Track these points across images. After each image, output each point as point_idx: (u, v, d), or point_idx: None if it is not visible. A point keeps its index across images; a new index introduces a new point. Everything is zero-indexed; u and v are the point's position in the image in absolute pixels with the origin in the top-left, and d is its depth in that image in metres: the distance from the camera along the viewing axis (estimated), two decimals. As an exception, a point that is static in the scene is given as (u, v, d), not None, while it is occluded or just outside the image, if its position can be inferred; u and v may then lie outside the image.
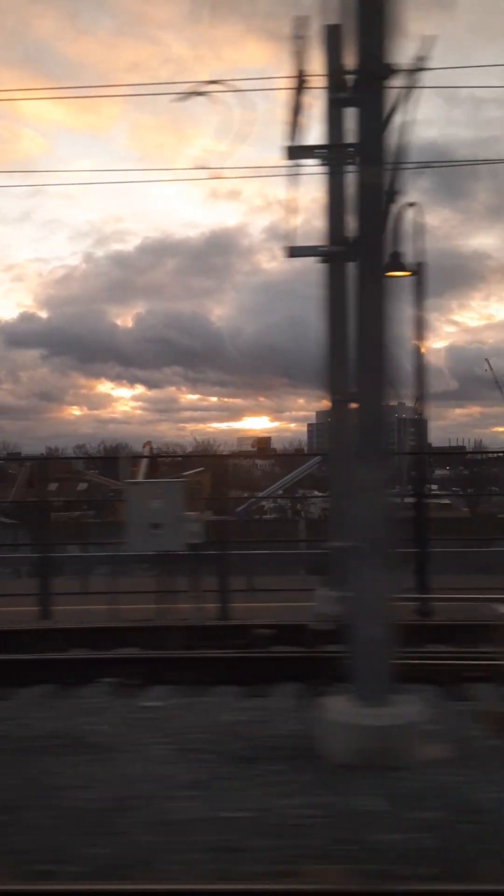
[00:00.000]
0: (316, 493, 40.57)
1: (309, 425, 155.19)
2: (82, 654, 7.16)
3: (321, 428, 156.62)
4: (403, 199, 6.24)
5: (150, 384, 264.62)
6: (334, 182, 8.41)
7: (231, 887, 2.73)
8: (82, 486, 41.08)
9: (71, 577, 11.03)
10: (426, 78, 4.66)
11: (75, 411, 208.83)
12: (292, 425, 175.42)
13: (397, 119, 4.33)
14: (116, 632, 7.68)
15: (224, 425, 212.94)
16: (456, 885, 2.73)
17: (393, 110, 4.45)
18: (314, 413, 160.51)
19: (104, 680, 6.07)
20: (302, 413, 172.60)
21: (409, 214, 9.21)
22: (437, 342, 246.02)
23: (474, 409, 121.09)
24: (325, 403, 8.89)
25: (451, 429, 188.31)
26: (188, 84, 7.82)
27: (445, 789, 3.64)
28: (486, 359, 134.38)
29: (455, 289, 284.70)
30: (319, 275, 8.56)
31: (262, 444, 65.83)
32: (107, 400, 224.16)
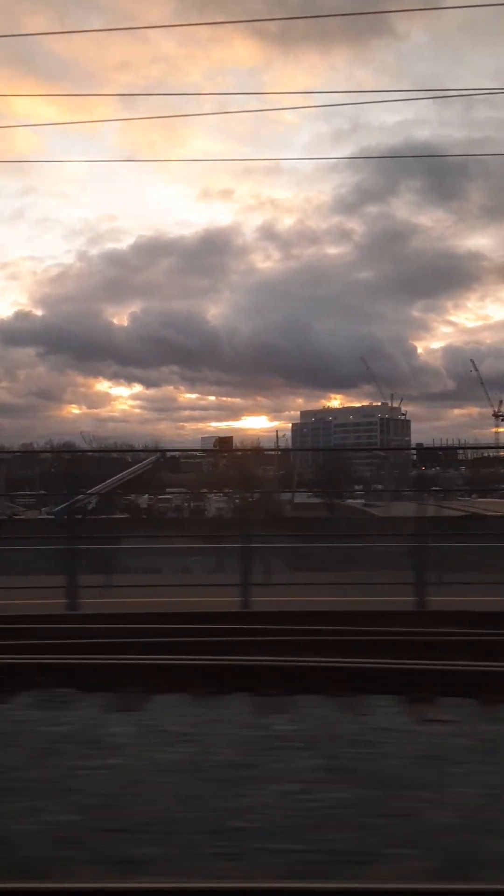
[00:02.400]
0: (218, 493, 40.47)
1: (293, 424, 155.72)
2: None
3: (305, 427, 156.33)
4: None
5: (147, 383, 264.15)
6: None
7: (230, 885, 2.61)
8: None
9: None
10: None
11: (75, 410, 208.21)
12: (290, 425, 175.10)
13: None
14: None
15: (224, 424, 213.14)
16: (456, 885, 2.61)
17: None
18: (299, 413, 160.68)
19: None
20: (300, 413, 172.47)
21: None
22: (434, 342, 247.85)
23: (473, 410, 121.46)
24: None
25: (450, 429, 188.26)
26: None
27: None
28: (471, 360, 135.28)
29: (450, 289, 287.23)
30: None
31: (225, 444, 65.81)
32: (105, 398, 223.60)
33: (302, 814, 3.14)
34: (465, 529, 10.36)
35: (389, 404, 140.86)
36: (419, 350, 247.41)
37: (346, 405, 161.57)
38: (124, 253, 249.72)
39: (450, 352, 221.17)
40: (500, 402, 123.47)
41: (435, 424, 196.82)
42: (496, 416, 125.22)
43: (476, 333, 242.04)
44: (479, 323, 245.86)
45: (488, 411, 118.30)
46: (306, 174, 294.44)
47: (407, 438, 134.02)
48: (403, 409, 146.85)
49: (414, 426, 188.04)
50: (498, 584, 8.23)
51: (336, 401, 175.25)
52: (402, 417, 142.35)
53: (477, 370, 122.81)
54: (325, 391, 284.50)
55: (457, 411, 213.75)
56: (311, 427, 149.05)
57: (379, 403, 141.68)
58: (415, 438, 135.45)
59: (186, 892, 2.60)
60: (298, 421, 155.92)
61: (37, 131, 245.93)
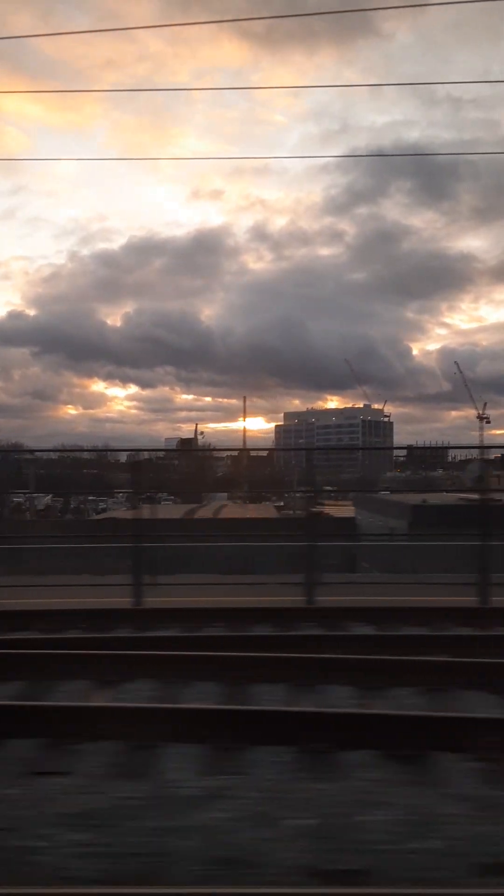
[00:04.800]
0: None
1: (276, 426, 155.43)
2: None
3: (288, 428, 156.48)
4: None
5: (143, 383, 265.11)
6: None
7: (228, 891, 2.52)
8: None
9: None
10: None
11: (71, 410, 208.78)
12: (273, 426, 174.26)
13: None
14: None
15: (221, 425, 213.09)
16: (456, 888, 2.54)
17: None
18: (282, 414, 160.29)
19: None
20: (284, 415, 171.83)
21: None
22: (430, 344, 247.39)
23: (471, 412, 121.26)
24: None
25: (447, 431, 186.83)
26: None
27: None
28: (455, 362, 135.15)
29: (443, 290, 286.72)
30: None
31: (187, 444, 66.13)
32: (102, 399, 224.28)
33: None
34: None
35: (371, 406, 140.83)
36: (415, 352, 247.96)
37: (342, 406, 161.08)
38: (116, 253, 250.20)
39: (445, 353, 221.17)
40: (485, 404, 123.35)
41: (432, 426, 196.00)
42: (480, 418, 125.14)
43: (471, 335, 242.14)
44: (474, 325, 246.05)
45: (490, 412, 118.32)
46: (296, 175, 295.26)
47: (388, 439, 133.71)
48: (387, 410, 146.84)
49: (411, 427, 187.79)
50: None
51: (333, 402, 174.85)
52: (386, 419, 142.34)
53: (461, 372, 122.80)
54: (321, 392, 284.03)
55: (454, 413, 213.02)
56: (294, 429, 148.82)
57: (361, 405, 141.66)
58: (410, 440, 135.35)
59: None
60: (282, 423, 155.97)
61: (26, 130, 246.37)
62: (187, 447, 64.16)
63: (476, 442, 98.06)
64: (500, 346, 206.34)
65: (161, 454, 63.90)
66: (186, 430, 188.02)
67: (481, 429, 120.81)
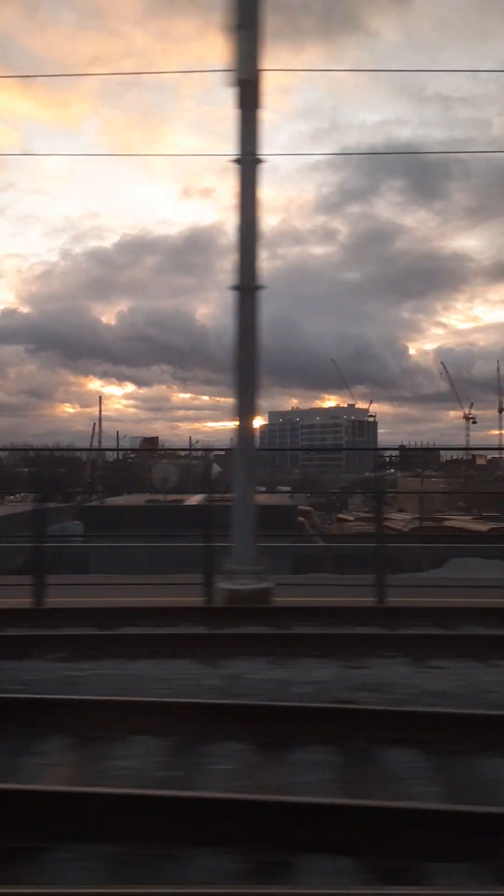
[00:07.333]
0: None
1: (261, 426, 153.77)
2: None
3: (273, 428, 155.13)
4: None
5: (139, 382, 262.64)
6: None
7: (230, 891, 2.59)
8: None
9: None
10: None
11: (69, 409, 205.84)
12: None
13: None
14: None
15: (219, 425, 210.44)
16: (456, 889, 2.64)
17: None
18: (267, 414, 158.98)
19: None
20: (268, 414, 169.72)
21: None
22: (427, 344, 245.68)
23: (471, 412, 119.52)
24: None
25: (447, 431, 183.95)
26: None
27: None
28: (441, 362, 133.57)
29: (438, 290, 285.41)
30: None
31: (151, 443, 64.58)
32: (98, 397, 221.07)
33: None
34: None
35: (356, 405, 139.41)
36: (411, 351, 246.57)
37: (340, 405, 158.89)
38: (108, 251, 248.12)
39: (442, 353, 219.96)
40: (471, 404, 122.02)
41: (430, 426, 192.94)
42: (467, 418, 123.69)
43: (467, 335, 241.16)
44: (470, 325, 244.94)
45: (487, 413, 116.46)
46: (288, 173, 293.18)
47: (373, 439, 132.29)
48: (379, 410, 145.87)
49: (410, 428, 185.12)
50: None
51: (331, 401, 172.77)
52: (371, 419, 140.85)
53: (447, 372, 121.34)
54: (319, 392, 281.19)
55: (452, 413, 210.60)
56: (279, 428, 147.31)
57: (346, 405, 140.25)
58: (409, 440, 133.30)
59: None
60: (266, 422, 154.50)
61: (14, 126, 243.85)
62: (153, 447, 62.70)
63: (475, 443, 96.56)
64: (496, 347, 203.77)
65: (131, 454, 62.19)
66: (186, 429, 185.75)
67: (467, 429, 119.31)
